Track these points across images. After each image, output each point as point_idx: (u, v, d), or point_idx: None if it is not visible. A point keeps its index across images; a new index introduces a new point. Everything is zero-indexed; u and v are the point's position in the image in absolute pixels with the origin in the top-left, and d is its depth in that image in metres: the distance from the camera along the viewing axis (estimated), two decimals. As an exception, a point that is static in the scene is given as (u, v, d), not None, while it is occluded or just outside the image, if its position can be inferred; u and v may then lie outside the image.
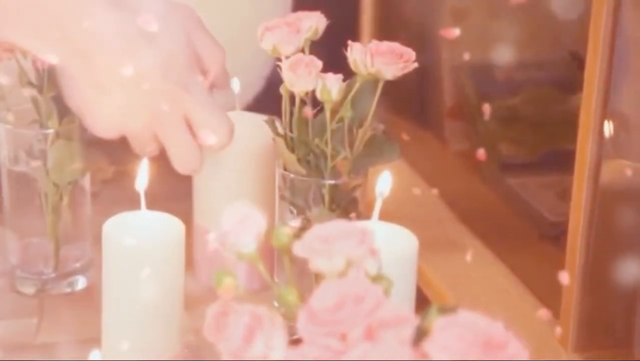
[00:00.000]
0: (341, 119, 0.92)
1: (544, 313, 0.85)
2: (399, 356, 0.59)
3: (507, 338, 0.59)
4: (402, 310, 0.61)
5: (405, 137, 1.00)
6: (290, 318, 0.66)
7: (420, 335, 0.61)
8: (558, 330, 0.90)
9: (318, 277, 0.66)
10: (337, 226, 0.66)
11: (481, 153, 0.95)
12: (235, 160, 1.01)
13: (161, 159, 0.97)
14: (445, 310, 0.63)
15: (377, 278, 0.66)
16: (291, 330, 0.65)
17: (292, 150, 0.93)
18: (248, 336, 0.64)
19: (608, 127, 0.86)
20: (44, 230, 1.01)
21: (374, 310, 0.61)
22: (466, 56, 1.25)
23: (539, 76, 1.23)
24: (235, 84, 1.04)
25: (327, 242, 0.65)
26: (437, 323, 0.59)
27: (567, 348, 0.89)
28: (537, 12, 1.21)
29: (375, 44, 0.91)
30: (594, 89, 0.85)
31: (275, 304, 0.84)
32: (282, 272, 0.95)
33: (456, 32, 0.87)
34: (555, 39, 1.21)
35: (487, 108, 1.01)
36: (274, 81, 1.09)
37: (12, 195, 1.01)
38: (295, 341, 0.62)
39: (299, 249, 0.65)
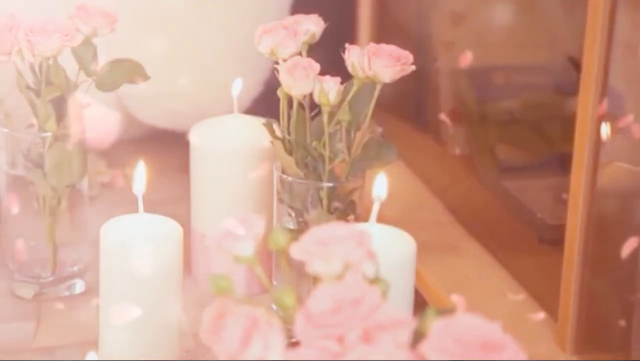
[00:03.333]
0: (339, 122, 0.92)
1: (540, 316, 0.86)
2: (396, 359, 0.59)
3: (505, 340, 0.59)
4: (399, 313, 0.61)
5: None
6: (288, 321, 0.66)
7: (418, 337, 0.61)
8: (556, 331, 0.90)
9: (316, 280, 0.66)
10: (335, 228, 0.66)
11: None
12: (233, 163, 1.01)
13: (159, 163, 0.96)
14: (442, 312, 0.63)
15: (374, 281, 0.66)
16: (289, 333, 0.65)
17: (290, 153, 0.93)
18: (245, 339, 0.64)
19: (605, 131, 0.86)
20: (42, 234, 1.01)
21: (372, 313, 0.61)
22: (464, 59, 1.24)
23: (537, 79, 1.23)
24: (237, 85, 1.04)
25: (324, 245, 0.65)
26: (435, 325, 0.59)
27: (565, 351, 0.89)
28: (536, 16, 1.21)
29: (372, 46, 0.91)
30: (590, 93, 0.85)
31: (274, 307, 0.84)
32: (280, 275, 0.95)
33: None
34: (553, 43, 1.21)
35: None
36: (271, 84, 1.09)
37: (10, 199, 1.01)
38: (294, 345, 0.62)
39: (296, 252, 0.65)
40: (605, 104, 0.83)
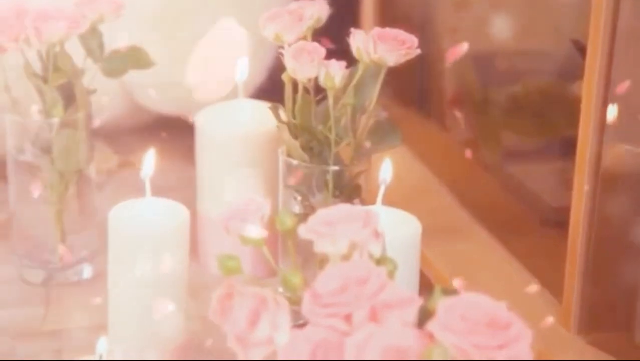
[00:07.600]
0: (344, 106, 0.92)
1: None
2: (403, 337, 0.59)
3: (511, 318, 0.60)
4: (405, 292, 0.62)
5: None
6: (295, 303, 0.66)
7: (424, 316, 0.61)
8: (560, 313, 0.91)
9: (323, 263, 0.67)
10: (341, 209, 0.67)
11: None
12: (239, 147, 1.01)
13: (165, 149, 0.97)
14: (449, 291, 0.64)
15: (382, 260, 0.66)
16: (296, 316, 0.65)
17: (296, 137, 0.94)
18: (253, 319, 0.64)
19: (609, 114, 0.86)
20: (50, 220, 1.01)
21: (378, 292, 0.61)
22: (468, 45, 1.25)
23: (540, 64, 1.23)
24: (242, 65, 1.04)
25: (331, 225, 0.65)
26: (442, 303, 0.60)
27: (569, 331, 0.90)
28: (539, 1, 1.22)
29: (377, 30, 0.91)
30: (595, 76, 0.85)
31: (280, 290, 0.85)
32: (287, 260, 0.96)
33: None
34: (557, 28, 1.21)
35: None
36: (275, 71, 1.10)
37: (18, 185, 1.01)
38: (301, 326, 0.62)
39: (303, 232, 0.66)
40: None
